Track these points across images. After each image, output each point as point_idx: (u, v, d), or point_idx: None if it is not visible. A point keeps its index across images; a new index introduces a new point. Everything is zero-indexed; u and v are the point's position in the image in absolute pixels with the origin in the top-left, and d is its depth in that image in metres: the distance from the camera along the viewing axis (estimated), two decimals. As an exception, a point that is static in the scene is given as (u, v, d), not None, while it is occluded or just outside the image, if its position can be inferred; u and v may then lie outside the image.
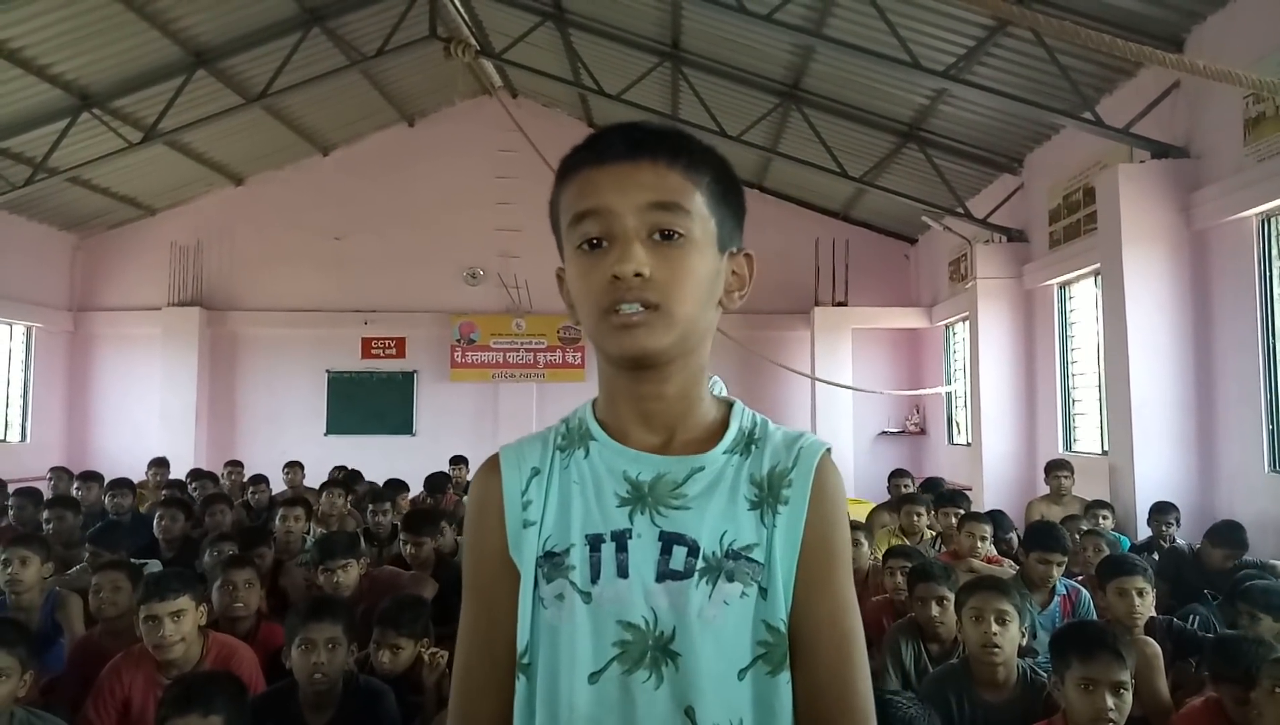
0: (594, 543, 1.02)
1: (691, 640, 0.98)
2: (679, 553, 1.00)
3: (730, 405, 1.11)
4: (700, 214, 1.02)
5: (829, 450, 1.07)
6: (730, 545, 1.01)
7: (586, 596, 1.00)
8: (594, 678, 0.99)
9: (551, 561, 1.03)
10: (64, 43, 7.91)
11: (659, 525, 1.01)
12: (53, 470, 8.04)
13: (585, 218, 1.01)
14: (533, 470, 1.07)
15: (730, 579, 1.00)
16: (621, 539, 1.01)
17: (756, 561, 1.01)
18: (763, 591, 1.01)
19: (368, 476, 8.15)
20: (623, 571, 1.00)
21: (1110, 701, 2.36)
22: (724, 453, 1.05)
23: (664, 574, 1.00)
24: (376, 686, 2.92)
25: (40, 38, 7.74)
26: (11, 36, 7.60)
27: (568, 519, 1.04)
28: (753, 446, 1.07)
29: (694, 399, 1.07)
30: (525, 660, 1.03)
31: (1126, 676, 2.40)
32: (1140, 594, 3.37)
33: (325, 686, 2.77)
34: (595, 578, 1.00)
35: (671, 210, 1.00)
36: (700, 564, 1.00)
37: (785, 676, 1.01)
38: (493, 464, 1.10)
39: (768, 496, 1.03)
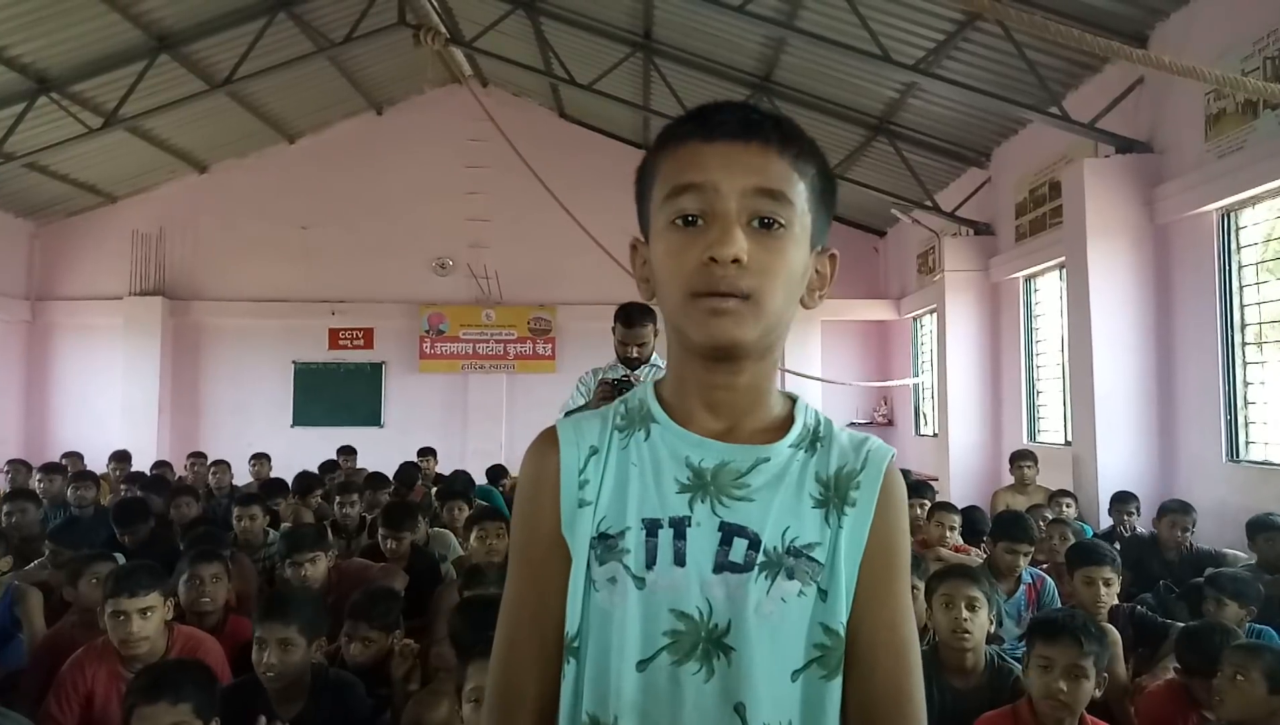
0: (650, 527, 0.98)
1: (746, 635, 0.95)
2: (739, 545, 0.97)
3: (794, 401, 1.08)
4: (800, 207, 1.00)
5: (894, 455, 1.06)
6: (792, 542, 0.98)
7: (640, 582, 0.97)
8: (642, 665, 0.96)
9: (605, 543, 0.99)
10: (20, 24, 7.70)
11: (720, 515, 0.98)
12: (10, 463, 7.88)
13: (685, 192, 0.97)
14: (591, 448, 1.04)
15: (790, 576, 0.97)
16: (680, 526, 0.98)
17: (817, 561, 0.98)
18: (822, 593, 0.98)
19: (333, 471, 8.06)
20: (680, 559, 0.97)
21: (1062, 683, 2.40)
22: (790, 446, 1.03)
23: (722, 565, 0.97)
24: (346, 679, 2.90)
25: (-4, 19, 7.54)
26: (-35, 17, 7.41)
27: (624, 501, 1.00)
28: (818, 444, 1.05)
29: (763, 392, 1.05)
30: (575, 644, 1.00)
31: (1085, 663, 2.42)
32: (1107, 583, 3.45)
33: (279, 685, 2.74)
34: (650, 563, 0.97)
35: (776, 198, 0.97)
36: (760, 558, 0.97)
37: (838, 681, 0.98)
38: (550, 438, 1.06)
39: (834, 497, 1.01)
